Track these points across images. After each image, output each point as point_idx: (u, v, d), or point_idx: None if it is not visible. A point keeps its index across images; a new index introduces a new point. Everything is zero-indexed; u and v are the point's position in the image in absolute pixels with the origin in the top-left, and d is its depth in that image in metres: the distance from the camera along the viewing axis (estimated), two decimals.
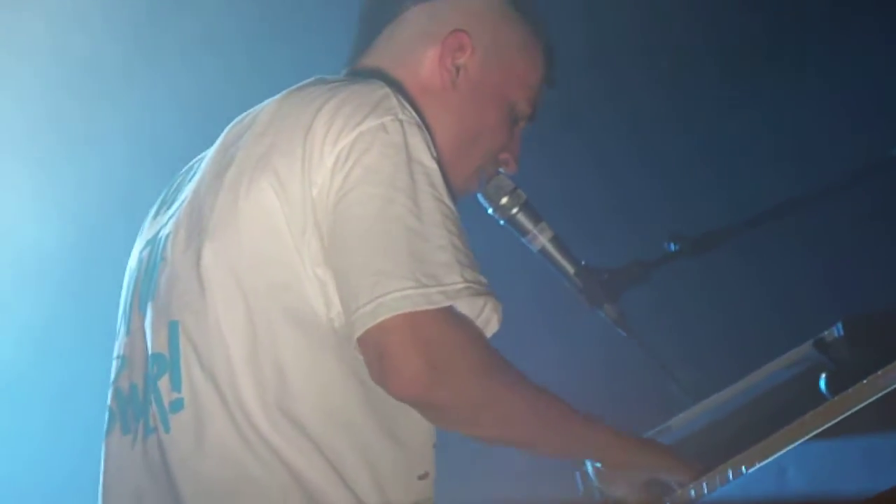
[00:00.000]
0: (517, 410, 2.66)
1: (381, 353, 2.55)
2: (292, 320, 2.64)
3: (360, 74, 2.90)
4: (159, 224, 2.90)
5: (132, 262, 2.95)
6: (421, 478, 2.68)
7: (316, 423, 2.62)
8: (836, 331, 2.85)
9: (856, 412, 2.50)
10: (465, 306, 2.60)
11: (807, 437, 2.51)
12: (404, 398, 2.58)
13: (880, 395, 2.48)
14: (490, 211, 3.09)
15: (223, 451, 2.63)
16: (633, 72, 4.98)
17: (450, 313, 2.57)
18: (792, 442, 2.52)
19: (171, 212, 2.88)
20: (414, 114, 2.71)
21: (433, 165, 2.67)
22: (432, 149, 2.69)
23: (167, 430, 2.69)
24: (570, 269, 3.13)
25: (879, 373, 2.47)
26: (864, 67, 4.80)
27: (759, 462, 2.54)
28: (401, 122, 2.67)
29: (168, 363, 2.72)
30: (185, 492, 2.66)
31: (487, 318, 2.63)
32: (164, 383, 2.71)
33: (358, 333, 2.56)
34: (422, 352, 2.54)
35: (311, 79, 2.86)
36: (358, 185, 2.61)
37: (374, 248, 2.59)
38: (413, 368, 2.54)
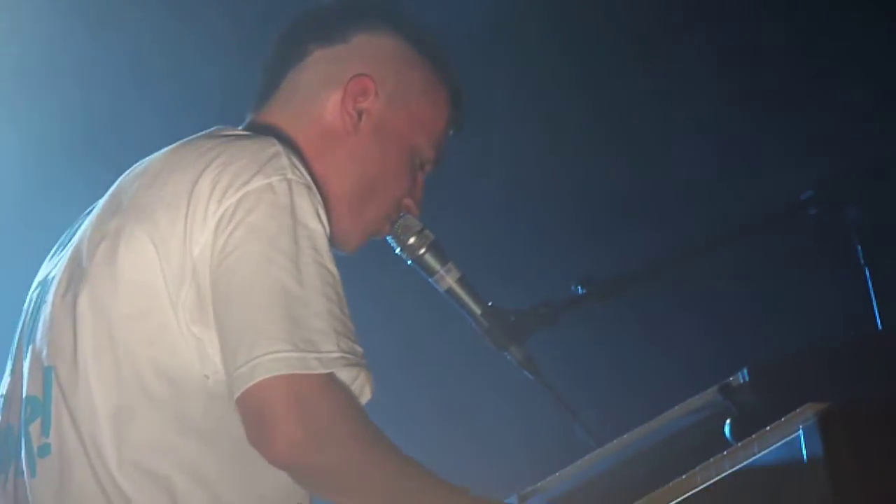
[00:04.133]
0: (389, 481, 2.65)
1: (259, 417, 2.55)
2: (161, 376, 2.64)
3: (256, 129, 2.89)
4: (51, 265, 2.89)
5: (26, 302, 2.94)
6: None
7: (175, 479, 2.62)
8: (741, 376, 2.88)
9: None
10: (340, 375, 2.60)
11: (708, 484, 2.55)
12: (280, 464, 2.58)
13: (785, 441, 2.52)
14: (398, 251, 3.08)
15: (81, 498, 2.63)
16: (551, 106, 5.00)
17: (329, 379, 2.57)
18: (692, 489, 2.56)
19: (61, 253, 2.87)
20: (305, 174, 2.70)
21: (319, 228, 2.66)
22: (321, 211, 2.68)
23: (34, 474, 2.70)
24: (477, 310, 3.14)
25: (782, 419, 2.52)
26: (780, 110, 4.87)
27: None
28: (289, 182, 2.66)
29: (41, 407, 2.71)
30: None
31: (360, 387, 2.63)
32: (35, 427, 2.72)
33: (236, 394, 2.55)
34: (300, 418, 2.54)
35: (208, 130, 2.85)
36: (241, 246, 2.60)
37: (253, 310, 2.58)
38: (291, 435, 2.53)
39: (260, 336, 2.56)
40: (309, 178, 2.71)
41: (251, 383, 2.53)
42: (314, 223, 2.66)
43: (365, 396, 2.64)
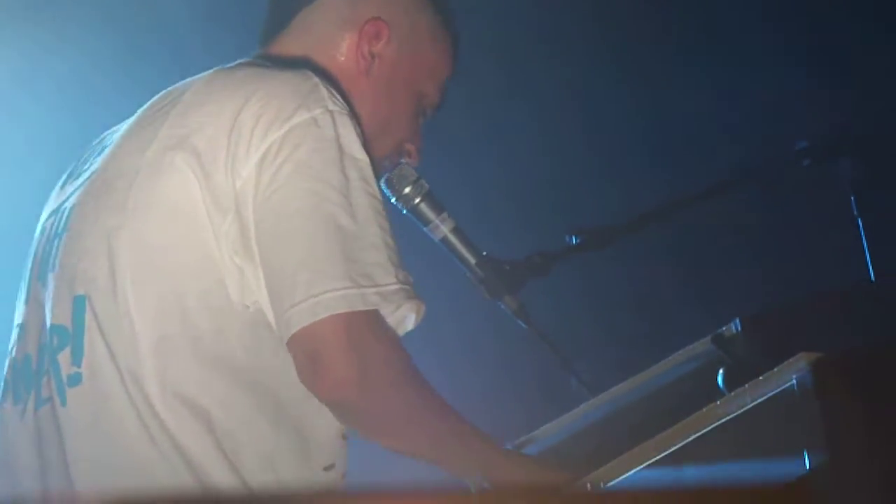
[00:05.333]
0: (430, 425, 2.70)
1: (314, 355, 2.57)
2: (204, 306, 2.64)
3: (283, 61, 2.89)
4: (65, 195, 2.88)
5: (37, 232, 2.93)
6: (326, 469, 2.70)
7: (214, 410, 2.63)
8: (734, 326, 2.90)
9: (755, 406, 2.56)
10: (388, 305, 2.62)
11: (702, 432, 2.56)
12: (330, 401, 2.61)
13: (778, 390, 2.53)
14: (393, 200, 3.09)
15: (119, 429, 2.63)
16: (538, 68, 5.00)
17: (379, 317, 2.60)
18: (686, 437, 2.58)
19: (77, 182, 2.86)
20: (345, 104, 2.72)
21: (365, 158, 2.68)
22: (362, 139, 2.70)
23: (63, 403, 2.69)
24: (472, 259, 3.15)
25: (775, 369, 2.53)
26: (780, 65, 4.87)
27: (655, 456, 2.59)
28: (331, 113, 2.67)
29: (70, 336, 2.70)
30: (75, 465, 2.66)
31: (403, 316, 2.65)
32: (64, 356, 2.70)
33: (293, 329, 2.57)
34: (355, 359, 2.56)
35: (238, 61, 2.86)
36: (290, 182, 2.61)
37: (308, 247, 2.60)
38: (344, 374, 2.56)
39: (317, 273, 2.57)
40: (349, 108, 2.72)
41: (313, 321, 2.55)
42: (360, 153, 2.68)
43: (409, 324, 2.68)
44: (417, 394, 2.66)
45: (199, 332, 2.65)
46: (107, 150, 2.84)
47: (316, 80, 2.73)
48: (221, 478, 2.61)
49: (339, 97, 2.72)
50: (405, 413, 2.66)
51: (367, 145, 2.78)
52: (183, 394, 2.62)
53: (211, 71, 2.82)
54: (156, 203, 2.68)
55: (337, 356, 2.56)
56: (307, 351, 2.57)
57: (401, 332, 2.68)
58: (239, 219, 2.63)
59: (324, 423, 2.70)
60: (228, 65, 2.85)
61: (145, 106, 2.85)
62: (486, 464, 2.74)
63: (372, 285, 2.58)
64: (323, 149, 2.65)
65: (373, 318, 2.59)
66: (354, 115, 2.73)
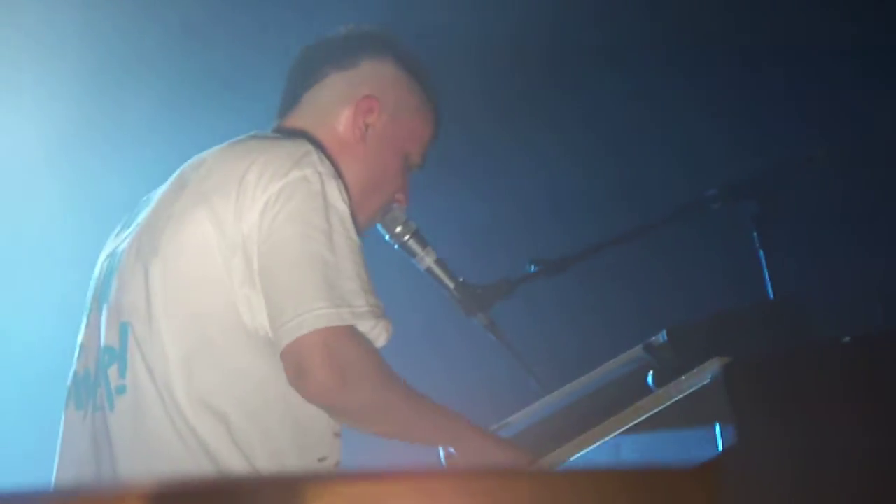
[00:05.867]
0: (402, 412, 2.72)
1: (300, 363, 2.60)
2: (220, 329, 2.68)
3: (288, 133, 2.93)
4: (119, 241, 2.92)
5: (96, 270, 2.97)
6: (320, 460, 2.71)
7: (231, 412, 2.66)
8: (661, 337, 2.89)
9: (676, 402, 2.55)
10: (362, 325, 2.66)
11: (633, 423, 2.55)
12: (315, 402, 2.64)
13: (696, 388, 2.52)
14: (387, 238, 3.12)
15: (154, 429, 2.68)
16: (492, 125, 4.98)
17: (354, 331, 2.63)
18: (621, 427, 2.56)
19: (128, 231, 2.90)
20: (331, 166, 2.75)
21: (345, 208, 2.72)
22: (344, 194, 2.74)
23: (112, 409, 2.74)
24: (451, 285, 3.16)
25: (694, 370, 2.52)
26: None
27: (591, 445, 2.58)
28: (320, 174, 2.71)
29: (117, 355, 2.75)
30: (121, 458, 2.71)
31: (378, 334, 2.68)
32: (113, 371, 2.75)
33: (285, 342, 2.60)
34: (334, 367, 2.59)
35: (249, 134, 2.90)
36: (284, 226, 2.65)
37: (297, 276, 2.63)
38: (326, 378, 2.59)
39: (304, 297, 2.61)
40: (334, 170, 2.76)
41: (299, 334, 2.59)
42: (341, 204, 2.72)
43: (381, 341, 2.70)
44: (390, 389, 2.68)
45: (216, 350, 2.68)
46: (150, 205, 2.90)
47: (309, 147, 2.77)
48: (237, 467, 2.64)
49: (327, 162, 2.77)
50: (381, 406, 2.69)
51: (357, 199, 2.84)
52: (206, 400, 2.66)
53: (227, 143, 2.87)
54: (181, 247, 2.73)
55: (319, 365, 2.59)
56: (295, 361, 2.61)
57: (378, 344, 2.70)
58: (245, 257, 2.67)
59: (320, 423, 2.72)
60: (242, 137, 2.89)
61: (179, 169, 2.89)
62: (456, 437, 2.78)
63: (347, 306, 2.63)
64: (311, 200, 2.68)
65: (349, 332, 2.63)
66: (340, 176, 2.77)
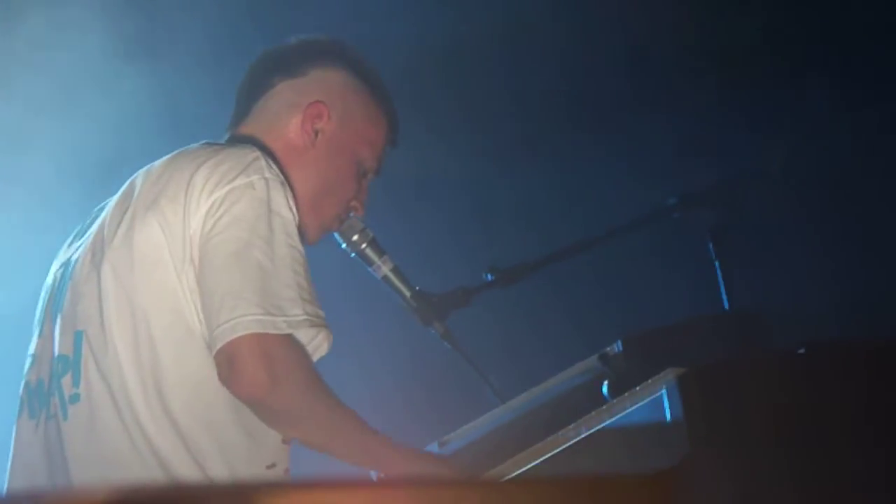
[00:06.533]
0: (327, 423, 2.71)
1: (231, 361, 2.61)
2: (172, 335, 2.69)
3: (238, 140, 2.94)
4: (73, 250, 2.92)
5: (48, 279, 2.98)
6: (269, 467, 2.72)
7: (184, 417, 2.67)
8: (616, 347, 2.90)
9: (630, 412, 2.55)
10: (304, 334, 2.67)
11: (586, 434, 2.56)
12: (245, 398, 2.64)
13: (649, 398, 2.53)
14: (343, 246, 3.12)
15: (107, 436, 2.68)
16: (455, 138, 4.99)
17: (290, 339, 2.64)
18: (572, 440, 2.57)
19: (82, 240, 2.91)
20: (279, 173, 2.76)
21: (289, 216, 2.73)
22: (290, 202, 2.74)
23: (65, 418, 2.74)
24: (407, 293, 3.17)
25: (648, 381, 2.53)
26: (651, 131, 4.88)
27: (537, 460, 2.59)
28: (266, 180, 2.72)
29: (71, 364, 2.76)
30: (73, 466, 2.71)
31: (319, 343, 2.70)
32: (66, 380, 2.76)
33: (218, 345, 2.62)
34: (264, 365, 2.60)
35: (199, 143, 2.90)
36: (226, 230, 2.67)
37: (235, 281, 2.65)
38: (255, 376, 2.60)
39: (240, 301, 2.62)
40: (282, 176, 2.77)
41: (232, 337, 2.60)
42: (286, 212, 2.73)
43: (323, 350, 2.72)
44: (317, 397, 2.68)
45: (167, 356, 2.69)
46: (102, 214, 2.90)
47: (258, 153, 2.78)
48: (189, 474, 2.65)
49: (275, 168, 2.78)
50: (306, 411, 2.69)
51: (310, 205, 2.87)
52: (161, 407, 2.67)
53: (176, 151, 2.88)
54: (132, 254, 2.74)
55: (250, 364, 2.60)
56: (227, 360, 2.62)
57: (319, 354, 2.72)
58: (192, 261, 2.68)
59: (269, 430, 2.73)
60: (192, 145, 2.91)
61: (129, 179, 2.90)
62: (379, 458, 2.76)
63: (282, 315, 2.64)
64: (255, 207, 2.70)
65: (283, 340, 2.63)
66: (288, 184, 2.79)
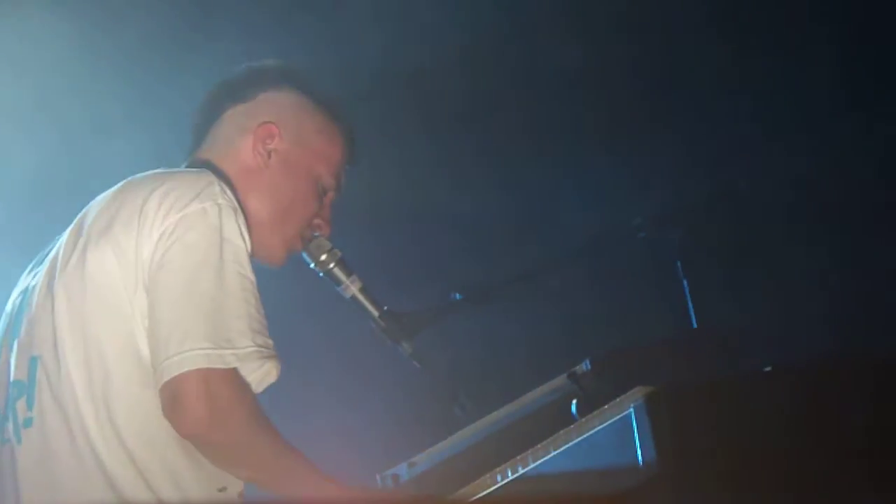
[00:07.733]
0: (268, 461, 2.69)
1: (174, 398, 2.60)
2: (123, 360, 2.68)
3: (194, 166, 2.95)
4: (31, 278, 2.93)
5: (8, 306, 2.97)
6: (220, 490, 2.71)
7: (134, 440, 2.66)
8: (585, 365, 2.91)
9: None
10: (252, 363, 2.65)
11: (555, 453, 2.57)
12: (185, 435, 2.63)
13: (618, 417, 2.54)
14: (312, 265, 3.10)
15: (60, 458, 2.67)
16: (426, 155, 5.01)
17: (234, 374, 2.63)
18: (543, 456, 2.58)
19: (40, 268, 2.91)
20: (232, 198, 2.76)
21: (241, 244, 2.71)
22: (243, 229, 2.74)
23: (19, 442, 2.75)
24: (375, 313, 3.15)
25: (617, 400, 2.54)
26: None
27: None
28: (219, 206, 2.71)
29: (25, 388, 2.76)
30: (25, 489, 2.72)
31: (267, 371, 2.67)
32: (20, 404, 2.76)
33: (165, 378, 2.60)
34: (207, 403, 2.59)
35: (152, 171, 2.88)
36: (176, 258, 2.66)
37: (182, 312, 2.63)
38: (198, 414, 2.59)
39: (188, 334, 2.61)
40: (236, 202, 2.77)
41: (178, 372, 2.59)
42: (238, 240, 2.72)
43: (271, 378, 2.70)
44: (258, 433, 2.67)
45: (118, 382, 2.68)
46: (59, 241, 2.89)
47: (212, 178, 2.78)
48: (139, 496, 2.64)
49: (229, 193, 2.77)
50: (248, 447, 2.67)
51: (270, 226, 2.89)
52: (113, 428, 2.66)
53: (128, 178, 2.87)
54: (84, 277, 2.73)
55: (193, 401, 2.59)
56: (172, 395, 2.61)
57: (266, 382, 2.70)
58: (145, 288, 2.67)
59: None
60: (147, 172, 2.89)
61: (83, 210, 2.89)
62: (326, 495, 2.72)
63: (230, 348, 2.62)
64: (208, 235, 2.69)
65: (229, 374, 2.62)
66: (242, 209, 2.78)
